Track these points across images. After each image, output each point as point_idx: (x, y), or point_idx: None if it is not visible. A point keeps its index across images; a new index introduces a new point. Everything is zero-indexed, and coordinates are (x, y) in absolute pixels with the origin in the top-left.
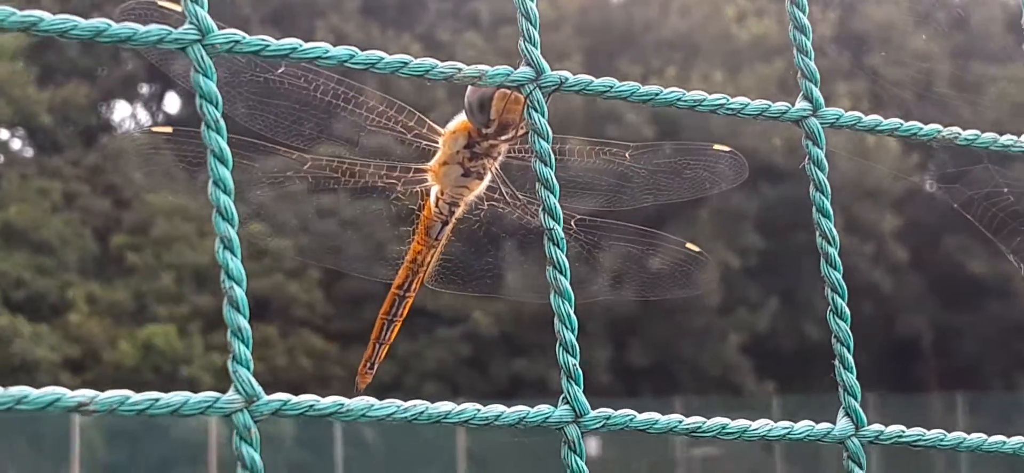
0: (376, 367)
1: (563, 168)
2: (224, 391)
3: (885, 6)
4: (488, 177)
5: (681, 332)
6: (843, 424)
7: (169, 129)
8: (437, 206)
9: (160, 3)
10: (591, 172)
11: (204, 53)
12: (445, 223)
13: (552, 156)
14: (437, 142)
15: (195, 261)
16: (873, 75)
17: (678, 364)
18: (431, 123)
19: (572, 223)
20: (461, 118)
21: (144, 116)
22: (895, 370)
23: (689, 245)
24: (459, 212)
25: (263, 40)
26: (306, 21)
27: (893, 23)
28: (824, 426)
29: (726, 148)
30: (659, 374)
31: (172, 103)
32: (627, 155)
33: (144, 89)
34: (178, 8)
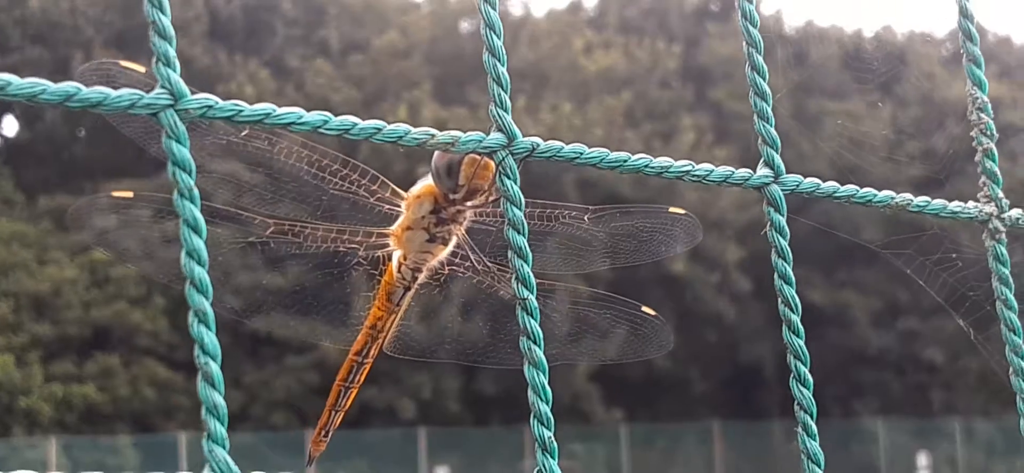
0: (331, 434)
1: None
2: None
3: (728, 41)
4: (453, 243)
5: None
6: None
7: (130, 193)
8: (399, 271)
9: (123, 64)
10: (548, 236)
11: (177, 119)
12: (407, 289)
13: (525, 224)
14: (400, 206)
15: (34, 289)
16: (717, 108)
17: (527, 393)
18: (394, 187)
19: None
20: (426, 182)
21: None
22: (738, 397)
23: (645, 309)
24: (422, 277)
25: (237, 105)
26: (149, 47)
27: (736, 58)
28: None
29: (681, 210)
30: (508, 402)
31: (9, 126)
32: (586, 219)
33: None
34: (141, 69)
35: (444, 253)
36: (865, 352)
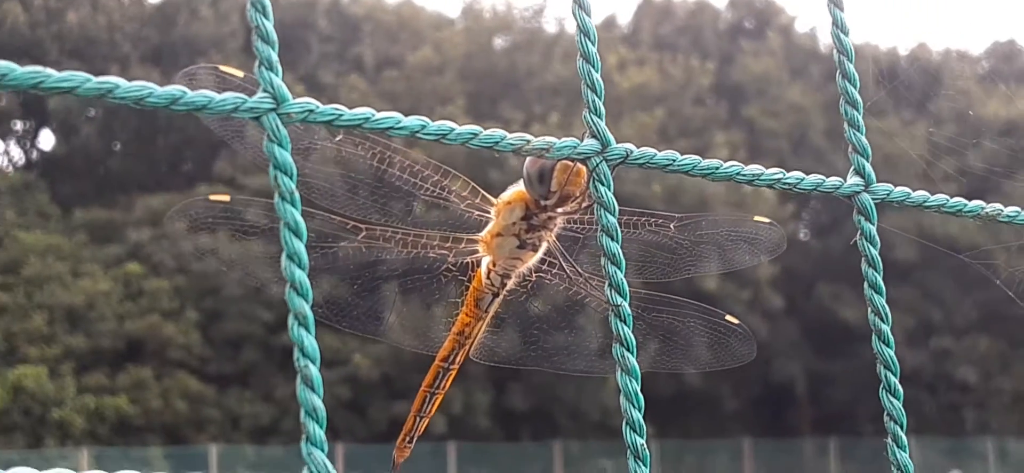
0: (415, 440)
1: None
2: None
3: (762, 59)
4: (543, 249)
5: (561, 376)
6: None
7: (227, 197)
8: (488, 277)
9: (222, 69)
10: (635, 244)
11: (279, 122)
12: (495, 295)
13: (619, 230)
14: (489, 212)
15: (68, 301)
16: (750, 125)
17: (558, 408)
18: (484, 193)
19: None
20: (517, 188)
21: (17, 153)
22: (769, 415)
23: (729, 318)
24: (511, 284)
25: (337, 109)
26: (187, 59)
27: (769, 75)
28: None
29: (766, 220)
30: (539, 418)
31: (46, 140)
32: (672, 227)
33: (17, 125)
34: (239, 74)
35: (534, 259)
36: (898, 370)
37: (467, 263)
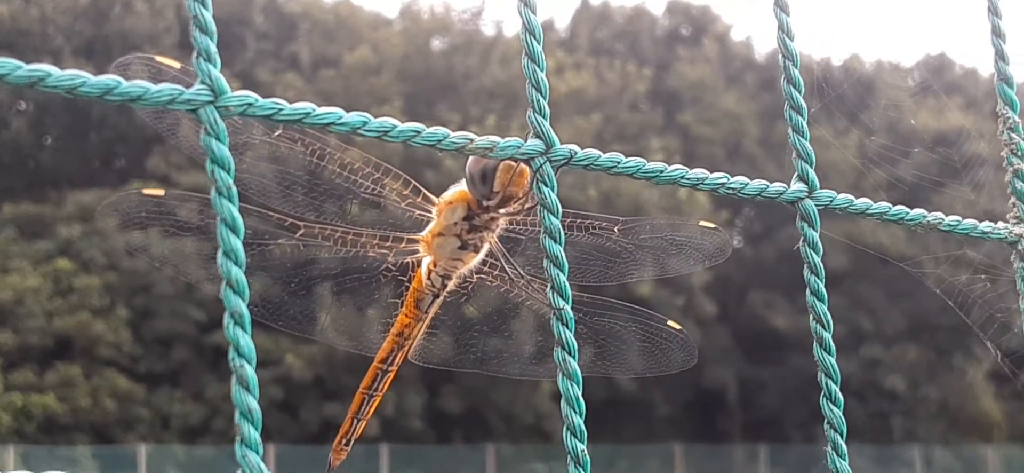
0: (352, 443)
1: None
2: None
3: (698, 66)
4: (484, 250)
5: (494, 379)
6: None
7: (161, 191)
8: (429, 278)
9: (157, 59)
10: (577, 246)
11: (217, 115)
12: (436, 296)
13: (562, 232)
14: (430, 212)
15: None
16: (684, 131)
17: (491, 411)
18: (426, 192)
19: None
20: (459, 188)
21: None
22: (701, 421)
23: (670, 323)
24: (451, 285)
25: (277, 103)
26: (120, 54)
27: (705, 83)
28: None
29: (711, 224)
30: (472, 421)
31: None
32: (616, 230)
33: None
34: (176, 65)
35: (475, 260)
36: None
37: (407, 263)
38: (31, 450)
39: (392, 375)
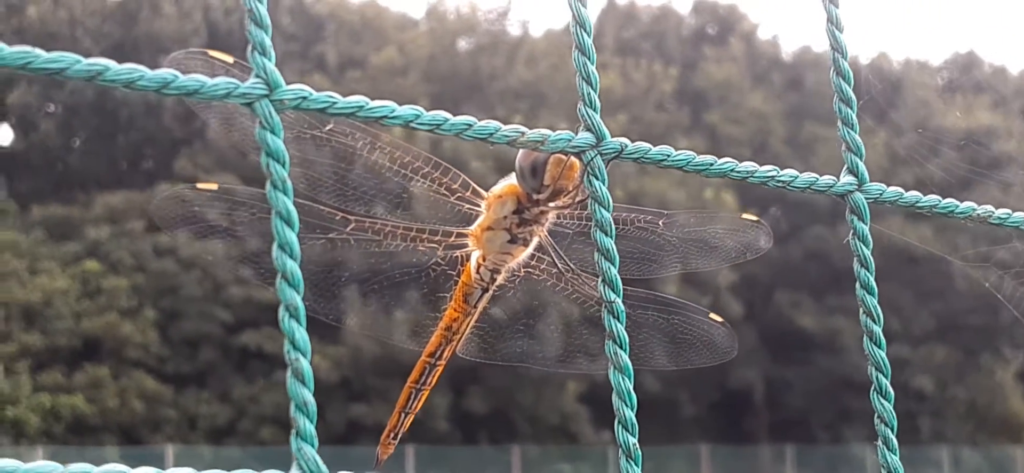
0: (400, 437)
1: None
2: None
3: (724, 65)
4: (533, 244)
5: (520, 380)
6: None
7: (214, 186)
8: (478, 272)
9: (210, 54)
10: (624, 239)
11: (272, 109)
12: (485, 290)
13: (613, 225)
14: (479, 206)
15: (25, 299)
16: (711, 131)
17: (516, 412)
18: (475, 186)
19: (596, 293)
20: (508, 182)
21: None
22: (727, 422)
23: (712, 315)
24: (500, 279)
25: (331, 97)
26: (149, 56)
27: (731, 82)
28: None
29: (754, 217)
30: (497, 422)
31: (4, 135)
32: (660, 223)
33: None
34: (229, 59)
35: (524, 254)
36: (854, 378)
37: (456, 257)
38: (59, 451)
39: (440, 369)
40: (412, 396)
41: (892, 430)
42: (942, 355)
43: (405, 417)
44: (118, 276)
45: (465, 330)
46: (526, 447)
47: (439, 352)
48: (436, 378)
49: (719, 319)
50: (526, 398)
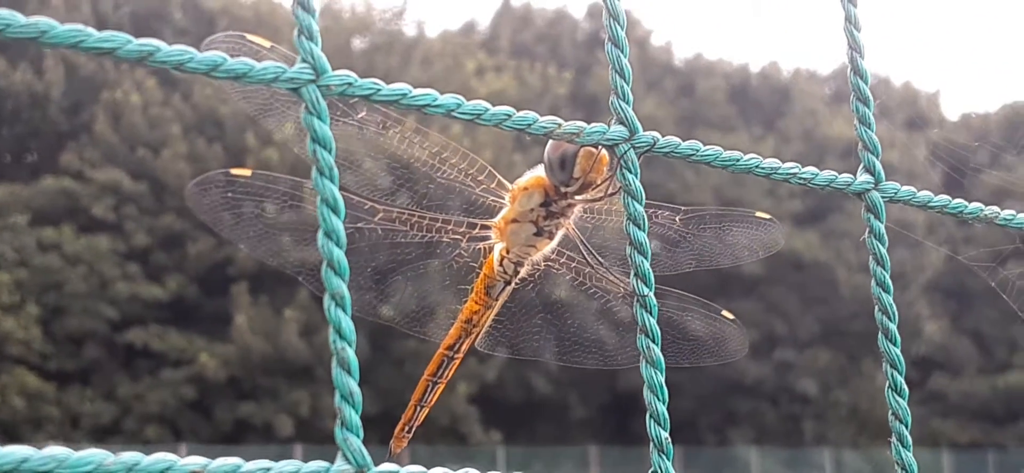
0: (414, 431)
1: (608, 232)
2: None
3: None
4: (559, 236)
5: (409, 381)
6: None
7: (247, 172)
8: (501, 265)
9: (250, 38)
10: None
11: (319, 94)
12: (507, 283)
13: (645, 219)
14: (503, 198)
15: None
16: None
17: (643, 391)
18: (500, 178)
19: (621, 288)
20: (535, 174)
21: None
22: (616, 423)
23: (725, 313)
24: (523, 272)
25: (376, 84)
26: (34, 48)
27: None
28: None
29: (767, 215)
30: (387, 423)
31: None
32: (677, 220)
33: None
34: (266, 44)
35: (548, 248)
36: (741, 382)
37: (479, 249)
38: None
39: (458, 362)
40: (428, 389)
41: (906, 427)
42: (826, 359)
43: (420, 410)
44: (0, 271)
45: (485, 323)
46: (415, 448)
47: (458, 345)
48: (453, 371)
49: (730, 317)
50: None
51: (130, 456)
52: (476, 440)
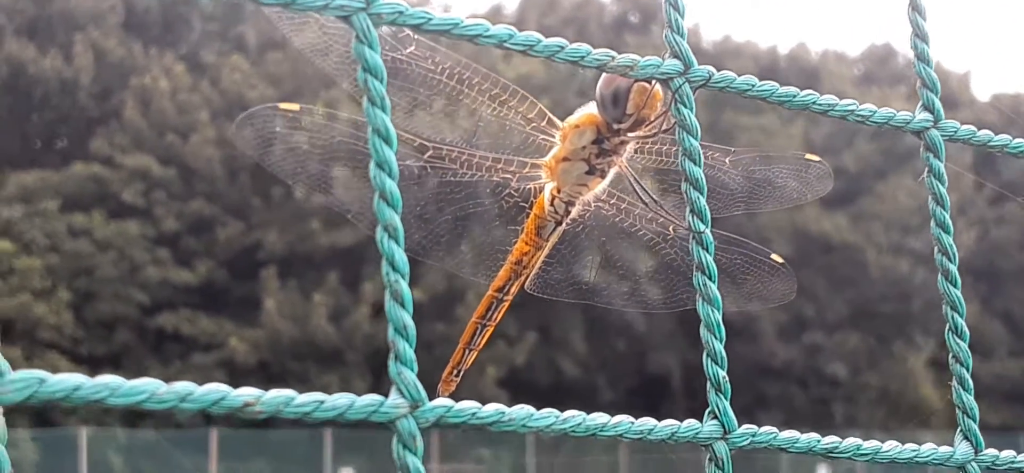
0: (462, 374)
1: (662, 172)
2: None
3: (645, 52)
4: (611, 175)
5: (438, 364)
6: (963, 449)
7: (296, 107)
8: (552, 204)
9: None
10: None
11: (369, 22)
12: (558, 223)
13: (701, 153)
14: (553, 136)
15: None
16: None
17: (434, 396)
18: (551, 115)
19: (670, 230)
20: (587, 111)
21: None
22: (646, 406)
23: (774, 256)
24: (575, 212)
25: (426, 13)
26: (64, 34)
27: None
28: (945, 450)
29: (816, 157)
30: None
31: None
32: (727, 161)
33: None
34: None
35: (600, 187)
36: (770, 365)
37: (529, 189)
38: None
39: (507, 304)
40: (477, 332)
41: (967, 369)
42: (855, 342)
43: (469, 354)
44: (31, 256)
45: (535, 264)
46: (445, 432)
47: (507, 287)
48: (502, 314)
49: (780, 260)
50: (437, 380)
51: (183, 386)
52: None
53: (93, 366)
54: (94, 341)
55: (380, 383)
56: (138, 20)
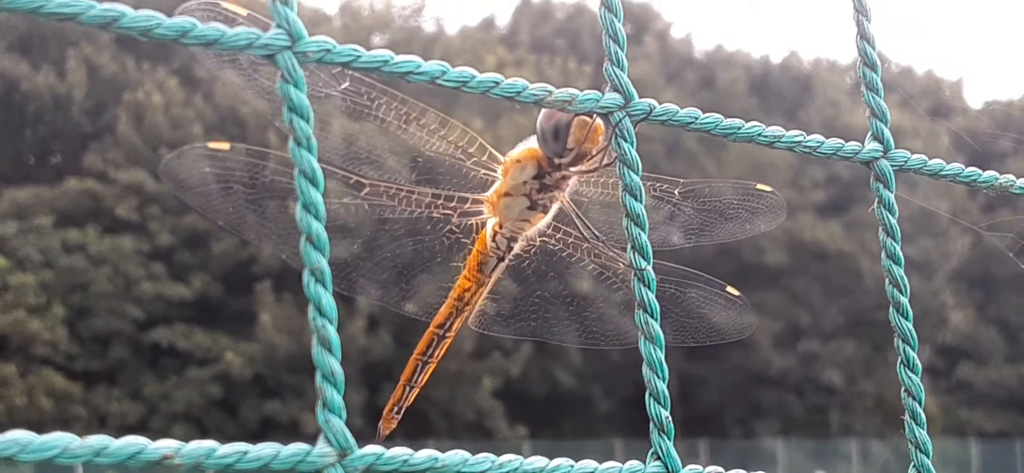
0: (404, 411)
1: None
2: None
3: (638, 63)
4: (553, 210)
5: (435, 376)
6: None
7: (226, 146)
8: (494, 240)
9: (223, 4)
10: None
11: (295, 61)
12: (500, 259)
13: (642, 189)
14: (495, 171)
15: None
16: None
17: (431, 408)
18: (492, 150)
19: (620, 264)
20: (528, 145)
21: None
22: (640, 416)
23: (729, 289)
24: (517, 247)
25: (355, 50)
26: (57, 50)
27: (644, 80)
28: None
29: (768, 188)
30: (412, 418)
31: None
32: (676, 193)
33: None
34: (243, 12)
35: (543, 222)
36: (766, 373)
37: (471, 225)
38: None
39: (449, 341)
40: (418, 369)
41: (920, 403)
42: (851, 350)
43: (410, 390)
44: (25, 272)
45: (477, 301)
46: (441, 443)
47: (449, 323)
48: (444, 350)
49: (736, 293)
50: (441, 395)
51: (98, 440)
52: (502, 435)
53: (88, 382)
54: (89, 357)
55: (376, 396)
56: (131, 36)
